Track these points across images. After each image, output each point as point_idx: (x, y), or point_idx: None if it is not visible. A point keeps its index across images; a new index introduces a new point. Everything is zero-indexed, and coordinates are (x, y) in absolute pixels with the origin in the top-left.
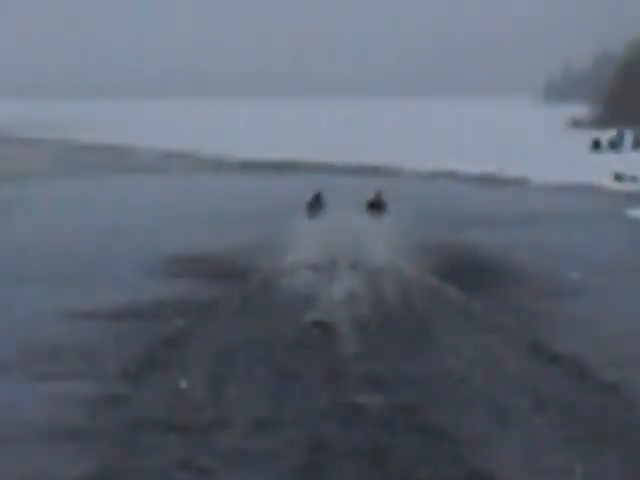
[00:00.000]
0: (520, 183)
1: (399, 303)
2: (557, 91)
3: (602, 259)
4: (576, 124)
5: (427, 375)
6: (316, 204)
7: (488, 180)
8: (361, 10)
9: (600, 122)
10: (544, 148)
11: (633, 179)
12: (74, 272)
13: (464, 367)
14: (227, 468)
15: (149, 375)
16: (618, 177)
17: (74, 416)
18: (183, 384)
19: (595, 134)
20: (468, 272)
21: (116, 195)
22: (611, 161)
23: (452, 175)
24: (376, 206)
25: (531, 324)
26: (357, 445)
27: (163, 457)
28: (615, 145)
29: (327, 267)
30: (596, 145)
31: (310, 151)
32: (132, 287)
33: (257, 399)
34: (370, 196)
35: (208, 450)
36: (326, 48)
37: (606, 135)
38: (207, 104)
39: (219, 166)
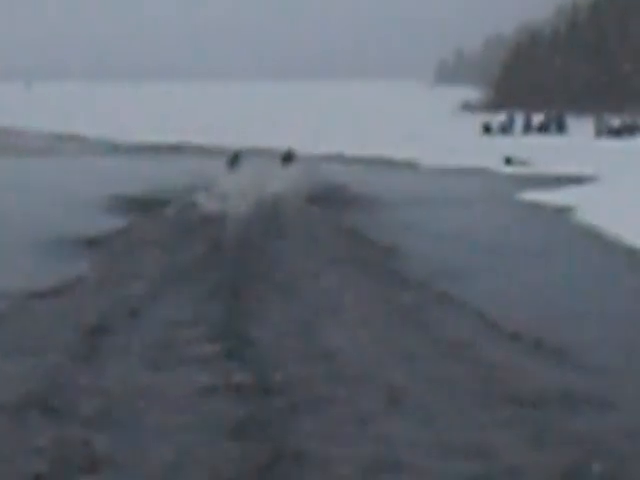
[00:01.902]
0: (410, 166)
1: (274, 213)
2: (448, 75)
3: (485, 239)
4: (467, 108)
5: (278, 246)
6: (234, 161)
7: (377, 163)
8: None
9: (491, 106)
10: (434, 132)
11: (523, 163)
12: None
13: (301, 242)
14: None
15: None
16: (508, 161)
17: None
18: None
19: (486, 118)
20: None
21: None
22: (501, 145)
23: (339, 157)
24: (288, 158)
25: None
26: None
27: None
28: (505, 129)
29: (234, 196)
30: (487, 129)
31: (200, 134)
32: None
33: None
34: (284, 151)
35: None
36: (224, 34)
37: (497, 119)
38: (109, 86)
39: (111, 149)
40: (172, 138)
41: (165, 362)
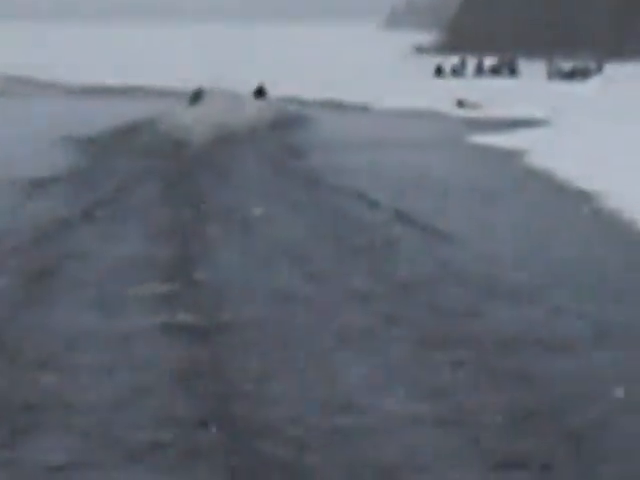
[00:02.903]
0: (362, 109)
1: (233, 133)
2: (401, 18)
3: (435, 181)
4: (420, 51)
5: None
6: (197, 97)
7: (329, 105)
8: None
9: (444, 49)
10: (386, 74)
11: (474, 105)
12: None
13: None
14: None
15: None
16: (460, 103)
17: None
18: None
19: (438, 61)
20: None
21: None
22: (453, 87)
23: (294, 100)
24: (260, 93)
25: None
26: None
27: None
28: (458, 72)
29: (201, 123)
30: (439, 71)
31: (156, 77)
32: None
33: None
34: (255, 86)
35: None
36: None
37: (449, 62)
38: (75, 27)
39: (62, 90)
40: (131, 80)
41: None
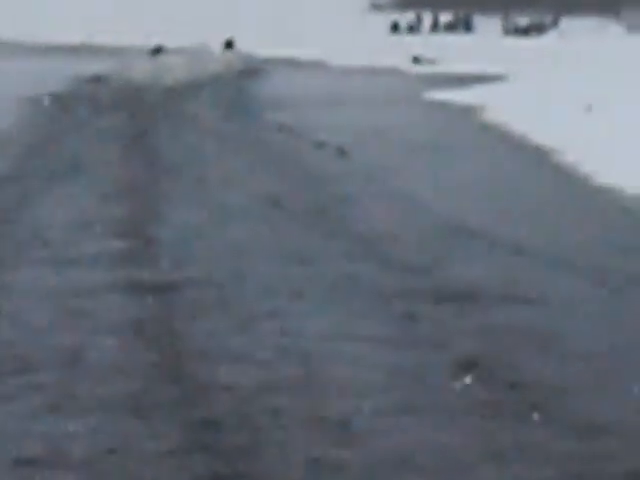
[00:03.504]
0: (318, 66)
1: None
2: None
3: (392, 137)
4: (375, 7)
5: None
6: (157, 52)
7: (285, 63)
8: None
9: (400, 5)
10: (342, 31)
11: (430, 62)
12: None
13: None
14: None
15: None
16: (416, 60)
17: None
18: None
19: (394, 17)
20: None
21: None
22: (410, 44)
23: (247, 57)
24: (229, 46)
25: None
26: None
27: None
28: (413, 28)
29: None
30: (395, 28)
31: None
32: None
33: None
34: (225, 39)
35: None
36: None
37: (405, 18)
38: None
39: (19, 49)
40: (95, 39)
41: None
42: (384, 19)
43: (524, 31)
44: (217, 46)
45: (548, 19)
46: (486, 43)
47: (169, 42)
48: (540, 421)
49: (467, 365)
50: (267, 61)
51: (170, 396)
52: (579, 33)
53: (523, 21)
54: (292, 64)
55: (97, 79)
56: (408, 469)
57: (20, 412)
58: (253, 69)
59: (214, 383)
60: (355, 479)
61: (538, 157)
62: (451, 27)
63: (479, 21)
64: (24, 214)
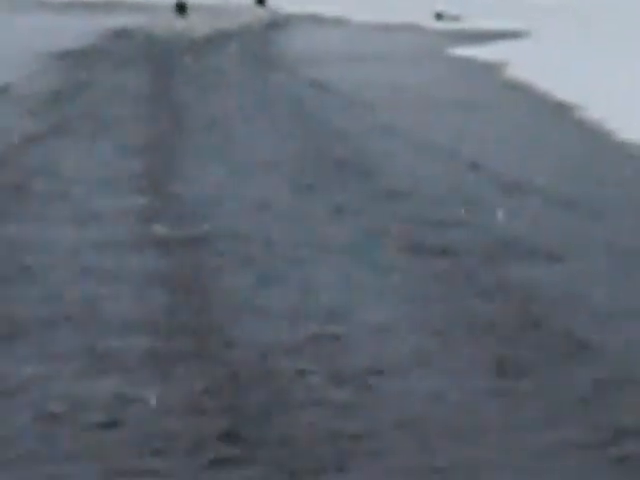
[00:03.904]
0: (341, 23)
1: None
2: None
3: (415, 92)
4: None
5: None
6: (181, 7)
7: (308, 19)
8: None
9: None
10: None
11: (454, 18)
12: None
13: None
14: None
15: None
16: (439, 16)
17: None
18: None
19: None
20: None
21: None
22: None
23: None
24: (261, 1)
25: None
26: None
27: None
28: None
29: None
30: None
31: None
32: None
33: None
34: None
35: None
36: None
37: None
38: None
39: (36, 5)
40: None
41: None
42: None
43: None
44: (246, 2)
45: None
46: None
47: None
48: None
49: None
50: (292, 17)
51: (191, 349)
52: None
53: None
54: (315, 20)
55: (121, 34)
56: None
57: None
58: (279, 23)
59: (237, 337)
60: None
61: (561, 113)
62: None
63: None
64: (48, 170)
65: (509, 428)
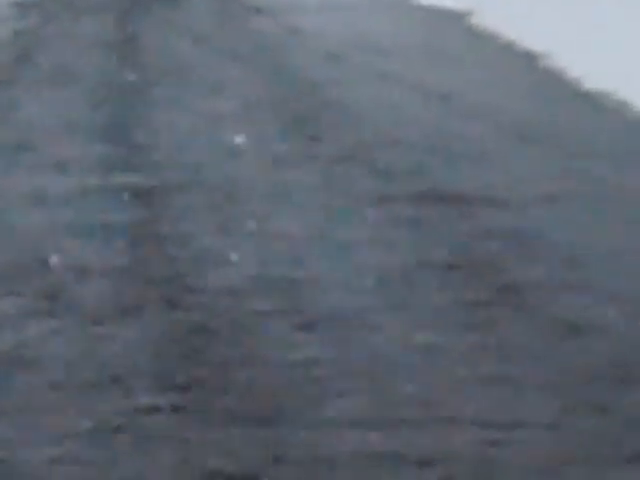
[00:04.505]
0: None
1: None
2: None
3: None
4: None
5: None
6: None
7: None
8: None
9: None
10: None
11: None
12: None
13: None
14: None
15: None
16: None
17: None
18: None
19: None
20: None
21: None
22: None
23: None
24: None
25: None
26: None
27: None
28: None
29: None
30: None
31: None
32: None
33: None
34: None
35: None
36: None
37: None
38: None
39: None
40: None
41: None
42: None
43: None
44: None
45: None
46: None
47: None
48: None
49: None
50: None
51: (151, 295)
52: None
53: None
54: None
55: None
56: None
57: None
58: None
59: (198, 284)
60: None
61: (525, 61)
62: None
63: None
64: (8, 118)
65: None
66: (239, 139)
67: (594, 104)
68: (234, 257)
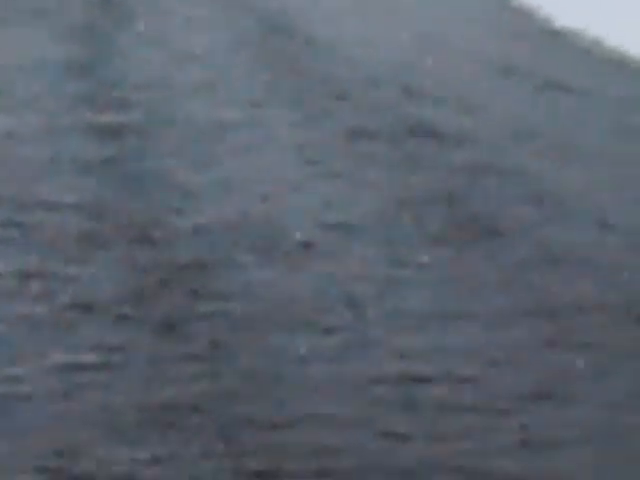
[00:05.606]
0: None
1: None
2: None
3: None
4: None
5: None
6: None
7: None
8: None
9: None
10: None
11: None
12: None
13: None
14: None
15: None
16: None
17: None
18: None
19: None
20: None
21: None
22: None
23: None
24: None
25: None
26: None
27: None
28: None
29: None
30: None
31: None
32: None
33: None
34: None
35: None
36: None
37: None
38: None
39: None
40: None
41: None
42: None
43: None
44: None
45: None
46: None
47: None
48: None
49: None
50: None
51: (123, 232)
52: None
53: None
54: None
55: None
56: None
57: None
58: None
59: (168, 219)
60: None
61: (498, 0)
62: None
63: None
64: None
65: None
66: (214, 75)
67: (565, 41)
68: (207, 194)
